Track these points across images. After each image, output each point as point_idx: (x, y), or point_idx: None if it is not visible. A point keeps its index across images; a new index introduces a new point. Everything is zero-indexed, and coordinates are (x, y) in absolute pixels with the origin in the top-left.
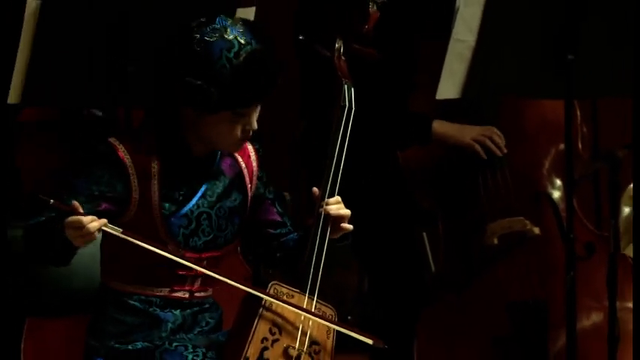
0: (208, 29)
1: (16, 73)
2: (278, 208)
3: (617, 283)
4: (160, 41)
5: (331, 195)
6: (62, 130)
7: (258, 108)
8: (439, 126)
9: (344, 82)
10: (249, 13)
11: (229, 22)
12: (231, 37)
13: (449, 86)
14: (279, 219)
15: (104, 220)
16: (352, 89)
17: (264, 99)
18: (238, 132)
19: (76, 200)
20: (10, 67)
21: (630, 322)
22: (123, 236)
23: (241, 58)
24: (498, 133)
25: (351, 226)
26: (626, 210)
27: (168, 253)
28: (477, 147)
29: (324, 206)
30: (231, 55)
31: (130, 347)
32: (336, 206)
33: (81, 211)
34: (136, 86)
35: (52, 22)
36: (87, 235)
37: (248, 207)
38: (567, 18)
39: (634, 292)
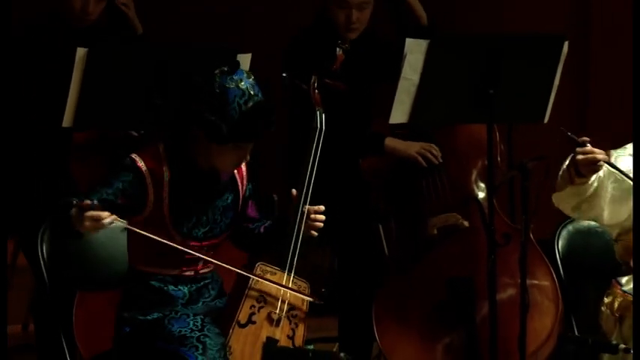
0: (228, 78)
1: (69, 104)
2: (257, 207)
3: (527, 265)
4: (178, 80)
5: (306, 194)
6: (105, 147)
7: (252, 144)
8: (390, 141)
9: (317, 109)
10: (246, 58)
11: (245, 75)
12: (244, 87)
13: (399, 113)
14: (256, 216)
15: (115, 216)
16: (323, 115)
17: (256, 138)
18: (235, 160)
19: (104, 193)
20: (63, 99)
21: (536, 294)
22: (128, 226)
23: (249, 105)
24: (436, 147)
25: (315, 234)
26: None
27: (175, 243)
28: (419, 158)
29: (311, 213)
30: (242, 101)
31: (148, 317)
32: (321, 216)
33: (98, 206)
34: (164, 114)
35: (96, 65)
36: (100, 226)
37: (240, 203)
38: (488, 62)
39: (634, 291)
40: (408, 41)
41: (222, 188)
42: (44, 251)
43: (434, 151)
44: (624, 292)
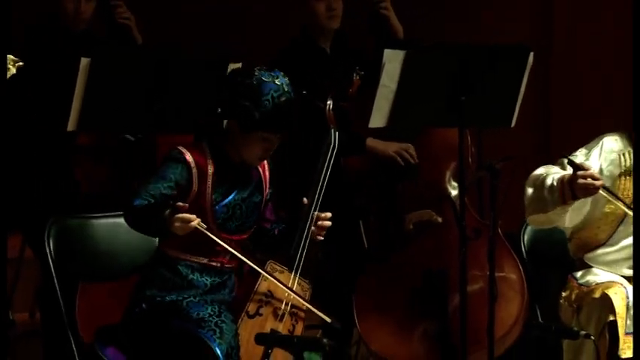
0: (266, 73)
1: (73, 109)
2: (273, 210)
3: (495, 257)
4: (178, 85)
5: (317, 202)
6: (105, 150)
7: (278, 139)
8: (370, 142)
9: (331, 128)
10: (236, 67)
11: (281, 74)
12: (279, 83)
13: (377, 118)
14: (272, 218)
15: (199, 220)
16: (337, 133)
17: (284, 131)
18: (261, 151)
19: (162, 187)
20: (63, 100)
21: (504, 285)
22: (210, 234)
23: (282, 99)
24: (412, 148)
25: (322, 238)
26: (529, 190)
27: (227, 244)
28: (397, 158)
29: (320, 219)
30: (276, 95)
31: (167, 298)
32: (326, 221)
33: (186, 208)
34: (162, 118)
35: (98, 73)
36: (187, 228)
37: (262, 205)
38: (460, 71)
39: (634, 291)
40: (387, 52)
41: (254, 187)
42: (51, 246)
43: (411, 151)
44: (579, 284)
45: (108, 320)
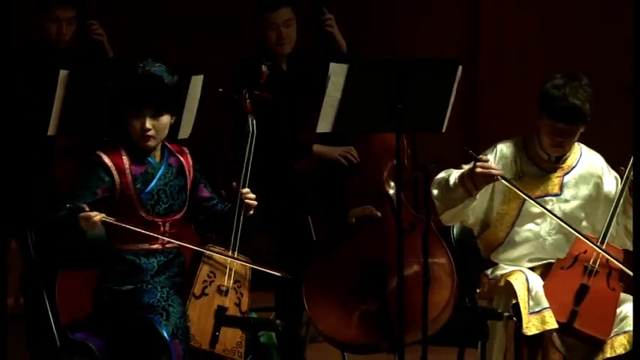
0: (141, 64)
1: (53, 116)
2: (208, 189)
3: (428, 247)
4: None
5: (244, 186)
6: (81, 153)
7: (148, 113)
8: (317, 147)
9: (249, 116)
10: (199, 79)
11: (152, 61)
12: (142, 66)
13: (324, 124)
14: (209, 195)
15: (103, 214)
16: (254, 120)
17: (148, 107)
18: (139, 127)
19: (83, 192)
20: (46, 109)
21: (436, 271)
22: (116, 223)
23: (139, 77)
24: (355, 151)
25: (253, 209)
26: (435, 192)
27: (143, 229)
28: (342, 160)
29: (243, 194)
30: (135, 74)
31: (123, 288)
32: (250, 194)
33: (87, 209)
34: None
35: (75, 84)
36: (92, 224)
37: (189, 186)
38: (397, 82)
39: (634, 290)
40: (332, 65)
41: (176, 172)
42: (32, 239)
43: (354, 154)
44: (490, 279)
45: (84, 304)
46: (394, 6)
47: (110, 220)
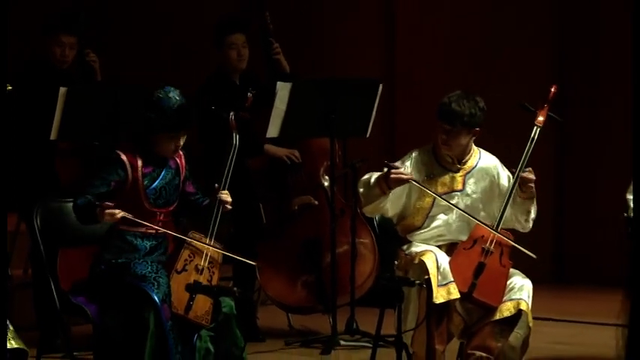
0: (162, 91)
1: (54, 124)
2: (194, 185)
3: (356, 229)
4: (127, 108)
5: (225, 186)
6: (79, 153)
7: (182, 136)
8: (267, 147)
9: (234, 132)
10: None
11: (172, 89)
12: (171, 96)
13: (272, 130)
14: (194, 191)
15: (124, 212)
16: (237, 136)
17: (183, 129)
18: (172, 147)
19: (100, 181)
20: (49, 118)
21: (361, 249)
22: (133, 219)
23: (175, 107)
24: (297, 152)
25: (229, 207)
26: (360, 190)
27: (148, 223)
28: (285, 158)
29: (222, 194)
30: (170, 104)
31: (119, 260)
32: (228, 197)
33: (112, 206)
34: (115, 131)
35: (74, 99)
36: (114, 219)
37: (181, 184)
38: (331, 97)
39: (634, 291)
40: (279, 83)
41: (174, 173)
42: (38, 221)
43: (296, 154)
44: (406, 254)
45: (81, 275)
46: (322, 32)
47: (129, 216)
